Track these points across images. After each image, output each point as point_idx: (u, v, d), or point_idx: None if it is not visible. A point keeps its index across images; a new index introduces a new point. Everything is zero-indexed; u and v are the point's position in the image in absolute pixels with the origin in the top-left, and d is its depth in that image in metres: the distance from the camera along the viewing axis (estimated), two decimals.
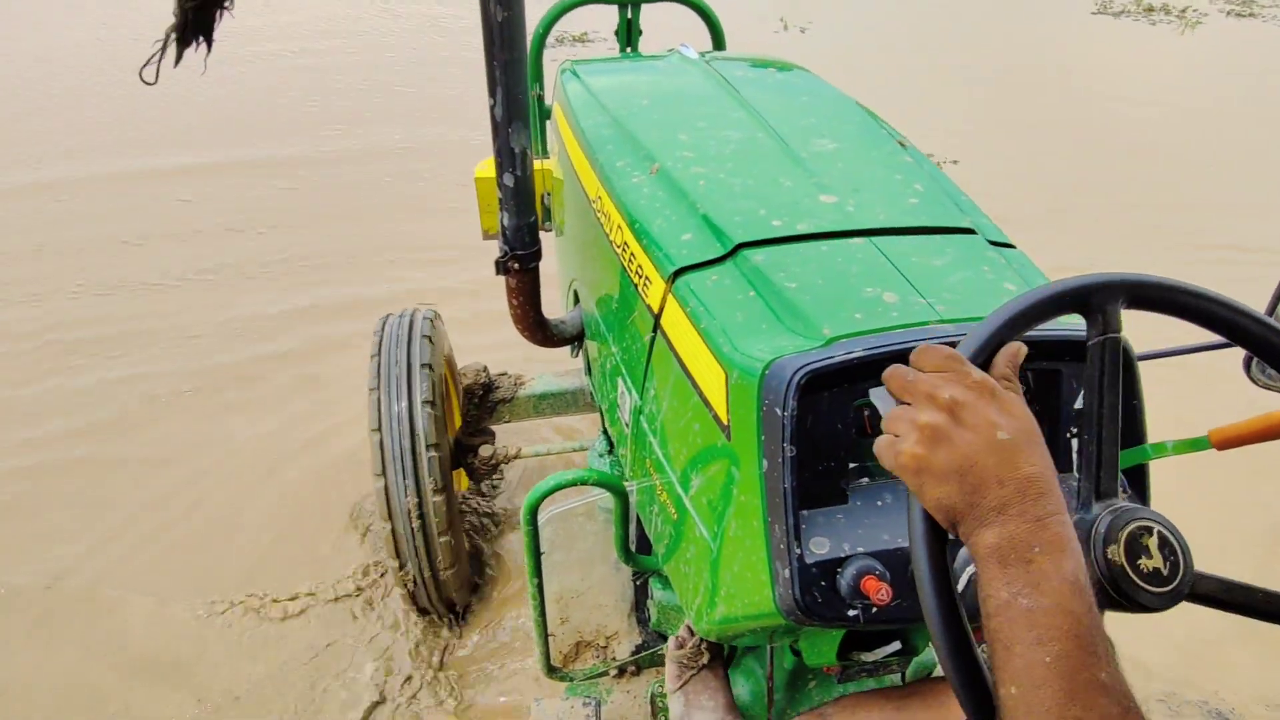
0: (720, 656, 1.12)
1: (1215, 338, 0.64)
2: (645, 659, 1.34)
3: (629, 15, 1.78)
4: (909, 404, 0.53)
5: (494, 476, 1.92)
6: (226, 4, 0.79)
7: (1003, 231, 1.03)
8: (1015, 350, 0.57)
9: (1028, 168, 4.19)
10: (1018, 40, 6.56)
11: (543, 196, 1.66)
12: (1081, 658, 0.42)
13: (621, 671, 1.34)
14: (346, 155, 4.11)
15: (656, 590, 1.25)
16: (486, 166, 1.56)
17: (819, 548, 0.79)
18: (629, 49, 1.81)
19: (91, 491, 2.07)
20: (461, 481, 1.93)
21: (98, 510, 2.02)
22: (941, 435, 0.49)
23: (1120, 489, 0.61)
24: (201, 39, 0.79)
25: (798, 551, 0.77)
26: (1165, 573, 0.53)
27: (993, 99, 5.23)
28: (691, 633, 1.11)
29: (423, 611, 1.64)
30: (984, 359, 0.57)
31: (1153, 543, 0.54)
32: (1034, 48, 6.35)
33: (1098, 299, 0.59)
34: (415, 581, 1.51)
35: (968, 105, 5.06)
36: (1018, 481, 0.47)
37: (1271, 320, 0.61)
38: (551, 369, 1.80)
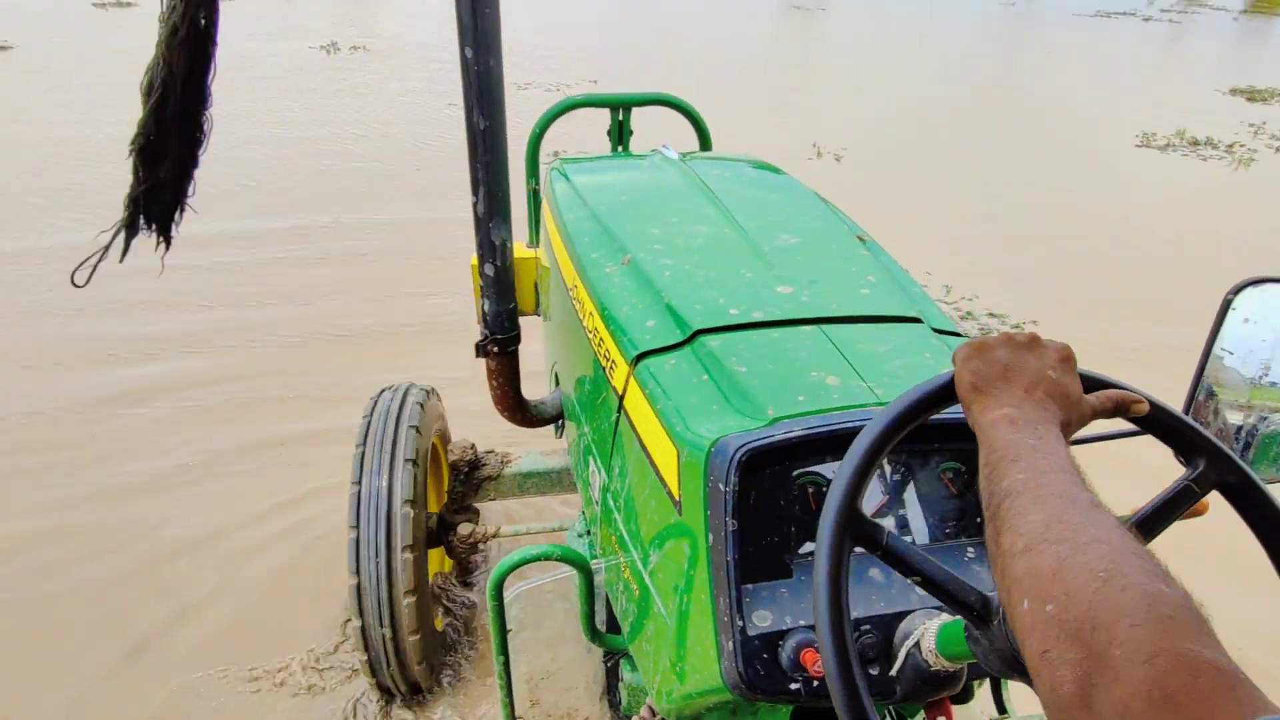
0: None
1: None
2: None
3: (620, 118, 1.94)
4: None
5: (473, 555, 1.95)
6: (187, 199, 0.79)
7: (950, 321, 1.11)
8: (1129, 397, 0.64)
9: (1062, 306, 3.96)
10: (1060, 171, 6.27)
11: (535, 284, 1.77)
12: (1071, 479, 0.52)
13: None
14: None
15: (626, 672, 1.26)
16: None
17: (761, 620, 0.83)
18: (620, 148, 1.97)
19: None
20: (444, 563, 1.96)
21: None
22: (1014, 344, 0.62)
23: None
24: (161, 238, 0.79)
25: (740, 624, 0.81)
26: None
27: (1033, 237, 4.97)
28: (653, 712, 1.13)
29: (387, 693, 1.65)
30: (1094, 383, 0.65)
31: None
32: (1083, 182, 6.06)
33: (1211, 462, 0.63)
34: (384, 675, 1.55)
35: (1008, 242, 4.86)
36: (1038, 398, 0.59)
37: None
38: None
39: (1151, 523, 0.63)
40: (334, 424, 2.49)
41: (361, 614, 1.45)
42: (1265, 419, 0.92)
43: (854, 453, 0.60)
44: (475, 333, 1.41)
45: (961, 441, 0.90)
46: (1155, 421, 0.64)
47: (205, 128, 0.76)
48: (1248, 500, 0.63)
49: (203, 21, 0.71)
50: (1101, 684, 0.38)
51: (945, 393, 0.62)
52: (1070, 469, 0.53)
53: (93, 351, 3.06)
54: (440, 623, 1.83)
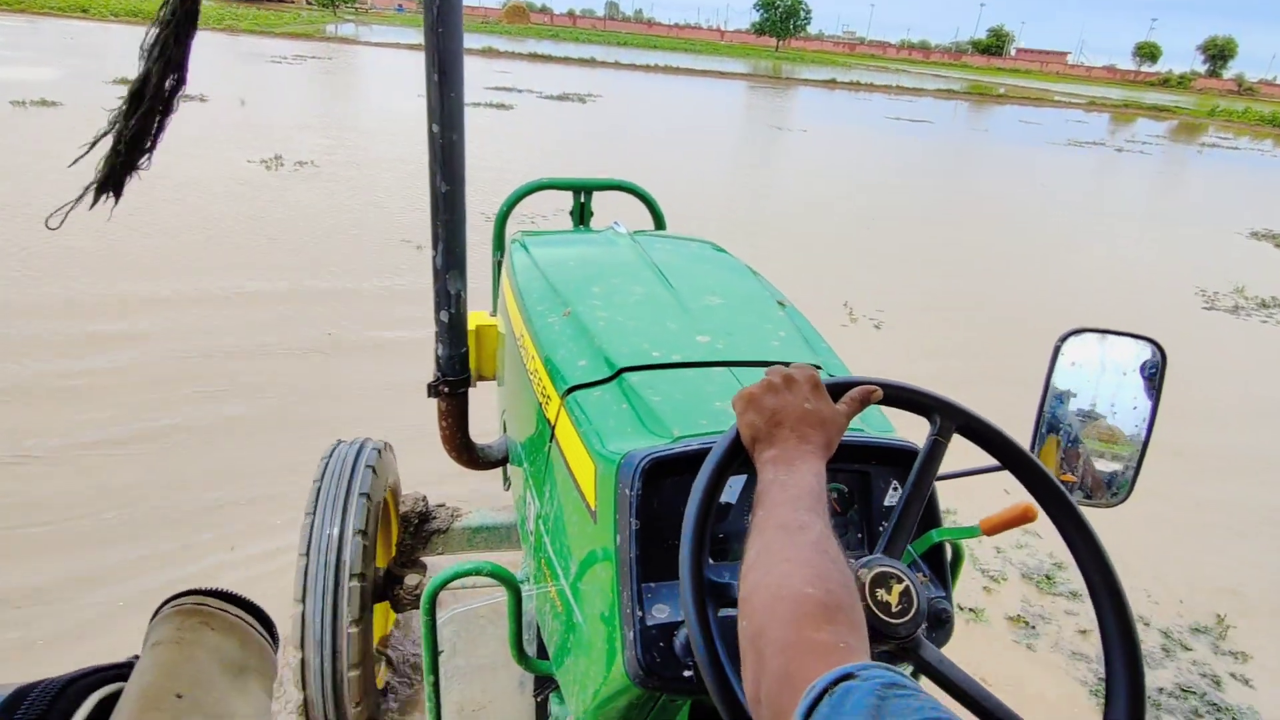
0: None
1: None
2: None
3: (582, 200, 2.21)
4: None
5: (416, 608, 2.02)
6: (142, 165, 0.97)
7: (848, 370, 1.30)
8: (868, 390, 0.83)
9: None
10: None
11: (496, 354, 1.95)
12: (807, 501, 0.67)
13: None
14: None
15: (555, 707, 1.35)
16: (470, 319, 1.80)
17: (660, 613, 0.96)
18: (580, 226, 2.22)
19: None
20: (389, 617, 2.03)
21: None
22: (773, 389, 0.79)
23: (900, 555, 0.83)
24: (111, 194, 0.96)
25: (639, 615, 0.94)
26: (894, 610, 0.73)
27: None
28: None
29: None
30: (839, 389, 0.83)
31: (897, 588, 0.75)
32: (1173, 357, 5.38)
33: (943, 413, 0.84)
34: (318, 715, 1.58)
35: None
36: (799, 433, 0.75)
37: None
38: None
39: (922, 481, 0.81)
40: None
41: (303, 645, 1.52)
42: (1126, 468, 1.10)
43: (686, 522, 0.76)
44: None
45: (845, 463, 1.06)
46: (893, 399, 0.83)
47: (167, 122, 0.97)
48: (980, 435, 0.83)
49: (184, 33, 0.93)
50: (761, 677, 0.53)
51: (736, 447, 0.80)
52: (804, 495, 0.68)
53: None
54: (383, 679, 1.88)
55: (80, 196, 0.91)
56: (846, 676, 0.45)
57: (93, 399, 3.34)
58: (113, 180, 0.93)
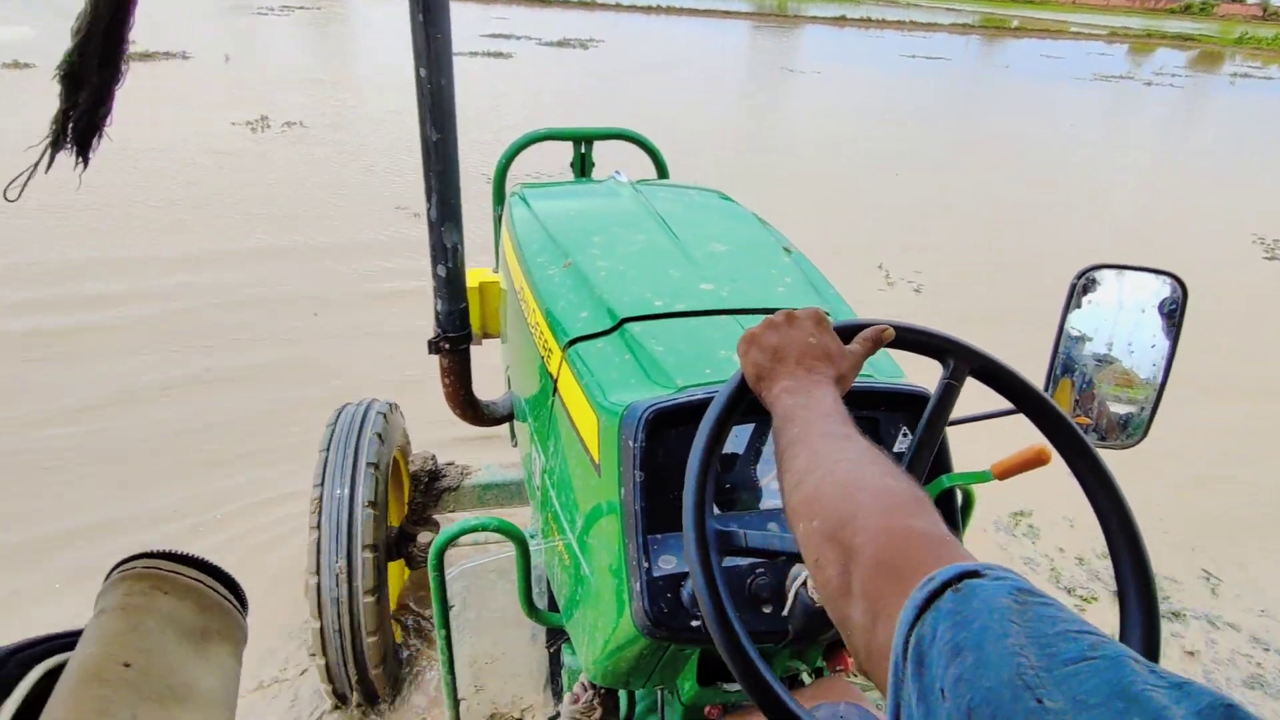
0: (615, 712, 1.23)
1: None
2: None
3: (582, 150, 2.16)
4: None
5: None
6: (105, 126, 0.90)
7: (855, 315, 1.28)
8: (879, 329, 0.80)
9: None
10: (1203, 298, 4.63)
11: (499, 310, 1.93)
12: (839, 420, 0.66)
13: None
14: None
15: (567, 657, 1.37)
16: (473, 275, 1.79)
17: (666, 564, 0.96)
18: (582, 178, 2.17)
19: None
20: (404, 572, 2.07)
21: None
22: (774, 326, 0.78)
23: None
24: (79, 158, 0.88)
25: (646, 565, 0.94)
26: None
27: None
28: (585, 688, 1.24)
29: (342, 699, 1.73)
30: (850, 330, 0.81)
31: None
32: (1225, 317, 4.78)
33: (957, 356, 0.82)
34: (340, 679, 1.62)
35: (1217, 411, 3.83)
36: (807, 365, 0.74)
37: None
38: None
39: (934, 425, 0.79)
40: None
41: (320, 615, 1.54)
42: (1142, 409, 1.08)
43: (690, 469, 0.75)
44: None
45: (853, 408, 1.05)
46: (905, 340, 0.81)
47: (123, 68, 0.92)
48: (993, 378, 0.81)
49: None
50: (853, 568, 0.50)
51: (741, 390, 0.78)
52: (832, 413, 0.67)
53: None
54: (400, 635, 1.92)
55: (37, 161, 0.86)
56: (972, 574, 0.41)
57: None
58: (70, 137, 0.89)
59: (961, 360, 0.81)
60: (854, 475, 0.57)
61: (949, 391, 0.82)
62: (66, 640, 0.40)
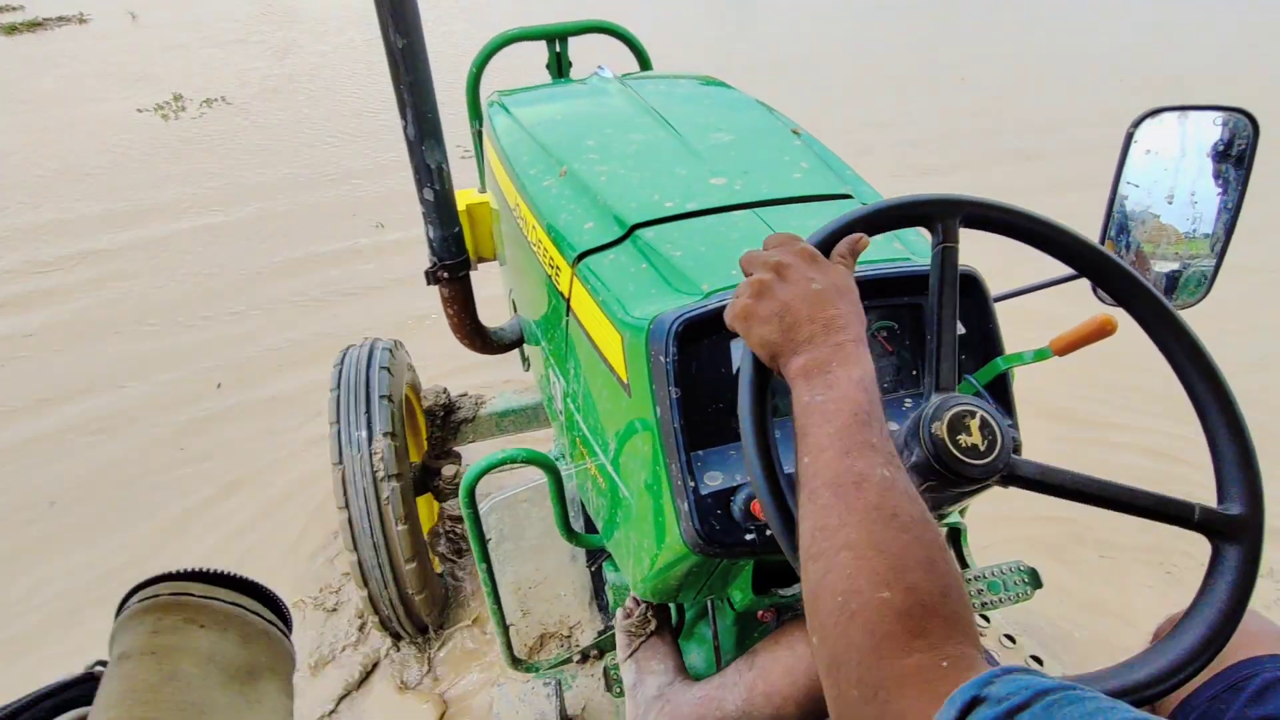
0: (668, 624, 1.22)
1: (1058, 272, 0.77)
2: (608, 641, 1.43)
3: (558, 49, 1.98)
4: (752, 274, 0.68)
5: (457, 497, 2.03)
6: None
7: (881, 195, 1.18)
8: (855, 238, 0.71)
9: None
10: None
11: (493, 231, 1.82)
12: (858, 429, 0.54)
13: (585, 657, 1.43)
14: None
15: (610, 573, 1.35)
16: (461, 197, 1.65)
17: (713, 480, 0.91)
18: (561, 79, 2.00)
19: None
20: (434, 506, 2.05)
21: None
22: (766, 288, 0.64)
23: (957, 382, 0.74)
24: None
25: (692, 484, 0.89)
26: (982, 449, 0.66)
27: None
28: (637, 602, 1.22)
29: (395, 636, 1.74)
30: (827, 246, 0.71)
31: (974, 424, 0.67)
32: None
33: (938, 213, 0.72)
34: (385, 608, 1.62)
35: None
36: (824, 319, 0.61)
37: (1101, 246, 0.75)
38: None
39: (944, 297, 0.71)
40: None
41: (356, 548, 1.53)
42: (1188, 265, 1.00)
43: (749, 460, 0.64)
44: None
45: (892, 297, 0.97)
46: (879, 226, 0.73)
47: None
48: (984, 217, 0.73)
49: None
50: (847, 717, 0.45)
51: (761, 373, 0.66)
52: (849, 424, 0.54)
53: None
54: (438, 565, 1.92)
55: None
56: (973, 702, 0.37)
57: None
58: None
59: (947, 214, 0.71)
60: (851, 585, 0.48)
61: (946, 256, 0.71)
62: (80, 691, 0.33)
